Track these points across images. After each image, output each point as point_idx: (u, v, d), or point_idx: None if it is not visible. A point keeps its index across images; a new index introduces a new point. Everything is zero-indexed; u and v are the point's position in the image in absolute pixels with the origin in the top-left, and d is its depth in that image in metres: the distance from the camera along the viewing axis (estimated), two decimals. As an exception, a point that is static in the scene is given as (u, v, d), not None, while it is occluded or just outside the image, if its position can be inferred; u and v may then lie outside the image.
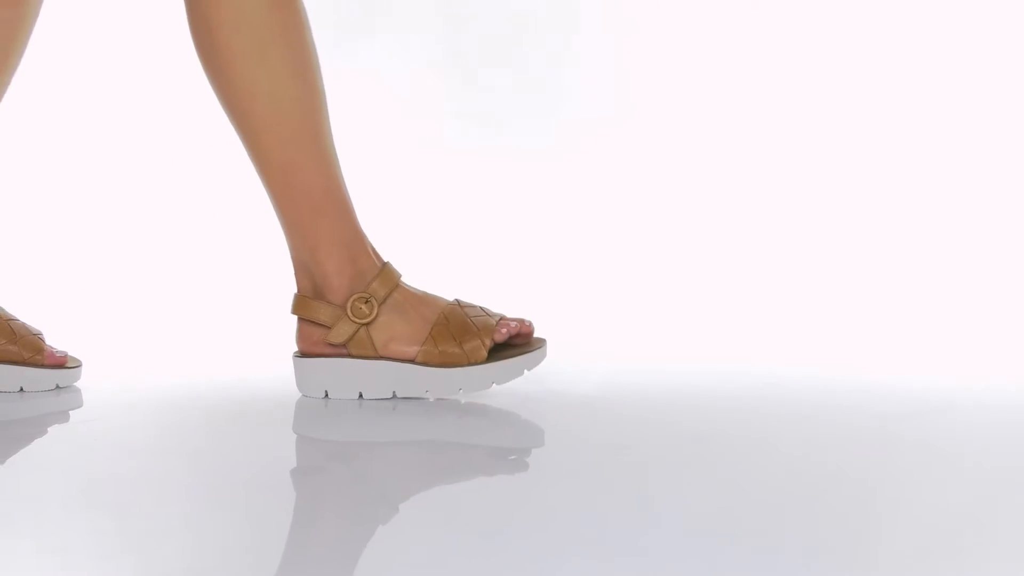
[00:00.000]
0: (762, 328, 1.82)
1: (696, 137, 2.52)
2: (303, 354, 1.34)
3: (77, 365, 1.38)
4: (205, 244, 2.30)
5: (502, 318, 1.34)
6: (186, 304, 1.97)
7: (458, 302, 1.35)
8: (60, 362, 1.35)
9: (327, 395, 1.33)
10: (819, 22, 2.55)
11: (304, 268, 1.33)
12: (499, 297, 1.48)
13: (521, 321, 1.33)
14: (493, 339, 1.31)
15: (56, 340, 1.69)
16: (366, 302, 1.31)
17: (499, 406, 1.33)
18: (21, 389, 1.33)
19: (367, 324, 1.31)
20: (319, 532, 0.90)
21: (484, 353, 1.31)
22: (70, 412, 1.26)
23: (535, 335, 1.35)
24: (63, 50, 2.42)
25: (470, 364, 1.31)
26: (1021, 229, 2.32)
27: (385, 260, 1.34)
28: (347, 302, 1.31)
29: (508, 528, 0.93)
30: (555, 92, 2.48)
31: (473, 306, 1.35)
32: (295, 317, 1.35)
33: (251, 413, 1.29)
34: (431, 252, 2.05)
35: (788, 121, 2.52)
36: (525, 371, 1.33)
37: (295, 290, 1.35)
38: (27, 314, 1.86)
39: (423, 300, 1.34)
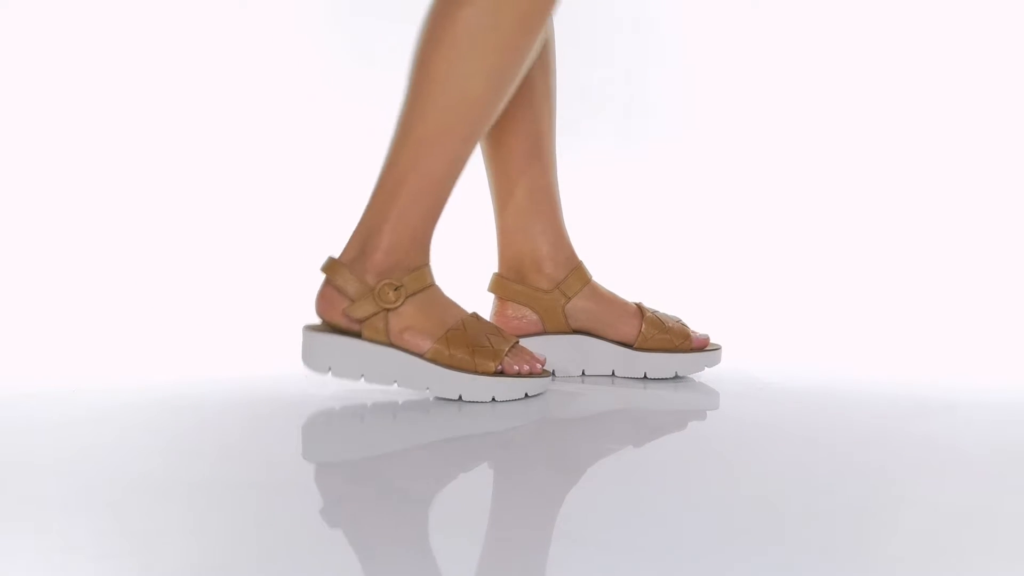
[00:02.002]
0: (763, 328, 1.82)
1: (695, 138, 2.53)
2: (321, 322, 1.34)
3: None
4: (204, 246, 2.30)
5: (516, 343, 1.36)
6: (186, 305, 1.97)
7: (476, 316, 1.37)
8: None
9: (330, 371, 1.32)
10: (846, 32, 2.55)
11: (364, 234, 1.33)
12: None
13: (533, 365, 1.35)
14: (503, 366, 1.33)
15: (56, 340, 1.69)
16: (395, 290, 1.32)
17: (500, 404, 1.33)
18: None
19: (388, 310, 1.32)
20: (319, 532, 0.90)
21: (492, 368, 1.32)
22: (70, 412, 1.26)
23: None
24: (65, 51, 2.43)
25: (475, 373, 1.32)
26: (1021, 229, 2.32)
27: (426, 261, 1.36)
28: (377, 283, 1.32)
29: (517, 522, 0.93)
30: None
31: (490, 324, 1.37)
32: (318, 280, 1.36)
33: (252, 412, 1.29)
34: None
35: (792, 126, 2.52)
36: (526, 393, 1.34)
37: (335, 253, 1.35)
38: (28, 314, 1.86)
39: (447, 305, 1.35)
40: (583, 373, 1.47)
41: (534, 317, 1.46)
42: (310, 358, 1.33)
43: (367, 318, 1.32)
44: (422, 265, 1.34)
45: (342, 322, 1.33)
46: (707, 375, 1.49)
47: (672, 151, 2.50)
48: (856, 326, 1.89)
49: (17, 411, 1.27)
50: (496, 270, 1.49)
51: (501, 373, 1.33)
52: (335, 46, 2.52)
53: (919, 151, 2.47)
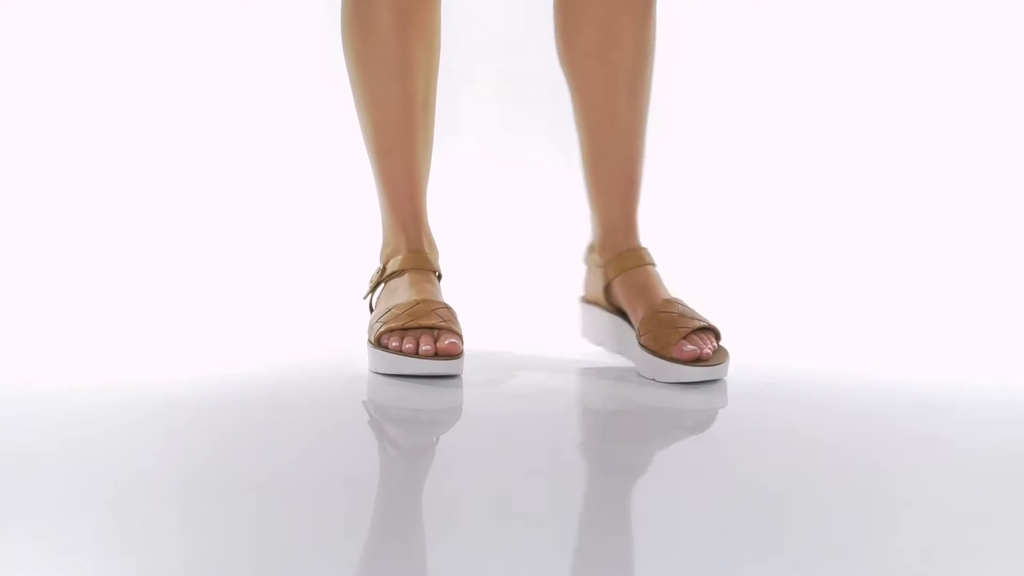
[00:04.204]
0: (763, 327, 1.82)
1: (696, 137, 2.52)
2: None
3: None
4: (204, 245, 2.30)
5: (433, 325, 1.42)
6: (186, 304, 1.97)
7: (425, 301, 1.44)
8: None
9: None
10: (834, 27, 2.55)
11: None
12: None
13: (428, 347, 1.39)
14: (384, 342, 1.42)
15: (56, 340, 1.69)
16: (380, 272, 1.52)
17: (503, 407, 1.33)
18: None
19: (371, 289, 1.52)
20: (319, 533, 0.90)
21: (371, 341, 1.45)
22: (70, 412, 1.26)
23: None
24: (65, 51, 2.42)
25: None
26: (1021, 229, 2.32)
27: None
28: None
29: (520, 524, 0.93)
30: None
31: (420, 309, 1.43)
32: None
33: (252, 412, 1.29)
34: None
35: (793, 125, 2.52)
36: (408, 372, 1.40)
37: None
38: (27, 314, 1.86)
39: (404, 291, 1.48)
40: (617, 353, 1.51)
41: (598, 287, 1.54)
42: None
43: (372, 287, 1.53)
44: (397, 253, 1.50)
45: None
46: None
47: (671, 151, 2.50)
48: (857, 326, 1.88)
49: (17, 411, 1.27)
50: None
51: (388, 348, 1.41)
52: (334, 44, 2.51)
53: (920, 150, 2.46)
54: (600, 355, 1.55)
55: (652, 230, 2.37)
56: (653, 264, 1.51)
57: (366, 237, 1.85)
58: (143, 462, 1.08)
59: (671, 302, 1.44)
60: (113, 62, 2.44)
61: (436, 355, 1.37)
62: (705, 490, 1.03)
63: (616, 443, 1.20)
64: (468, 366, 1.41)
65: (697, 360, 1.38)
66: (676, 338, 1.39)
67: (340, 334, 1.66)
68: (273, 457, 1.12)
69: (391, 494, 1.01)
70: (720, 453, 1.17)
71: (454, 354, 1.38)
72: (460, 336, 1.41)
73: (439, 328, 1.40)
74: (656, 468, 1.10)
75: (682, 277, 1.55)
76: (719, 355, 1.40)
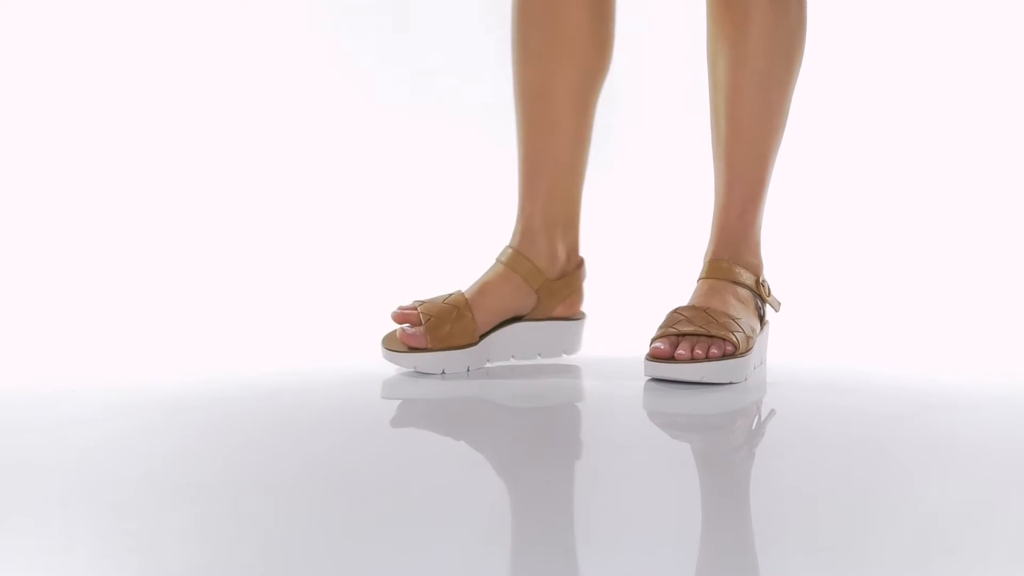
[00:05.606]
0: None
1: (694, 135, 2.52)
2: None
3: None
4: (205, 245, 2.30)
5: (427, 319, 1.43)
6: (186, 304, 1.97)
7: (460, 293, 1.45)
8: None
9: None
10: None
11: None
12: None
13: (407, 340, 1.42)
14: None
15: (55, 340, 1.69)
16: None
17: (503, 407, 1.33)
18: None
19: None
20: (320, 533, 0.90)
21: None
22: (70, 412, 1.26)
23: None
24: (65, 51, 2.43)
25: None
26: (1021, 229, 2.32)
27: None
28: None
29: (526, 526, 0.93)
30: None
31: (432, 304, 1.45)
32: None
33: (252, 412, 1.29)
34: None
35: (794, 123, 2.52)
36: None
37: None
38: (27, 314, 1.86)
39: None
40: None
41: None
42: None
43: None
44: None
45: None
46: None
47: (671, 149, 2.50)
48: (857, 325, 1.89)
49: (17, 411, 1.27)
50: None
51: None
52: (334, 45, 2.51)
53: (920, 149, 2.47)
54: (601, 355, 1.55)
55: (651, 228, 2.37)
56: (730, 279, 1.46)
57: (368, 237, 1.86)
58: (144, 463, 1.08)
59: (692, 307, 1.41)
60: (118, 64, 2.44)
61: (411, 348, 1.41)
62: (703, 489, 1.03)
63: (617, 443, 1.20)
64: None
65: (669, 359, 1.36)
66: (657, 335, 1.39)
67: (343, 335, 1.67)
68: (274, 458, 1.12)
69: (391, 494, 1.01)
70: (719, 452, 1.17)
71: (411, 345, 1.41)
72: (426, 335, 1.41)
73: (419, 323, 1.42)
74: (656, 467, 1.10)
75: (683, 276, 1.55)
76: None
